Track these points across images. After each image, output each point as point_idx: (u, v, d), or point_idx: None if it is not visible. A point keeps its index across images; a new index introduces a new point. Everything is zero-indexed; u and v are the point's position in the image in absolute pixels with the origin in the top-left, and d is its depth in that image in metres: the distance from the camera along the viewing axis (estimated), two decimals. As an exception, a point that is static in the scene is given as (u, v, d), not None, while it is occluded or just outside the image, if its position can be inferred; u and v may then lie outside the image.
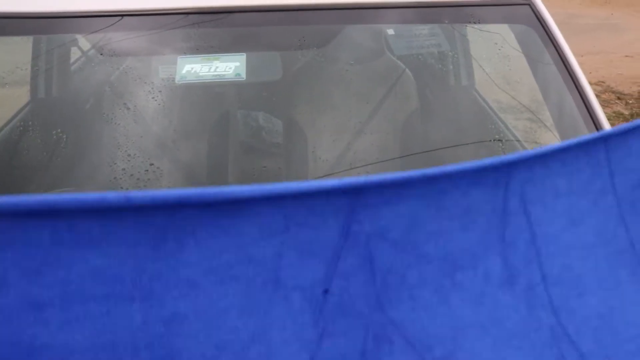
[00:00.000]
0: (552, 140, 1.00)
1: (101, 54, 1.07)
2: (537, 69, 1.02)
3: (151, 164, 1.00)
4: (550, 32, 1.02)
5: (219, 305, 0.53)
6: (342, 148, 1.05)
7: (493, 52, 1.10)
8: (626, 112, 4.22)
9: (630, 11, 7.62)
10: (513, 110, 1.05)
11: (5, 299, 0.51)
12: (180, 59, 1.05)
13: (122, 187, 0.99)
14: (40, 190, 1.04)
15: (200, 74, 1.04)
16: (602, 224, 0.66)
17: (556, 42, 1.01)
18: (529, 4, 1.06)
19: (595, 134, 0.65)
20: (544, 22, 1.04)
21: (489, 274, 0.62)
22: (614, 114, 4.13)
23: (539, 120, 1.09)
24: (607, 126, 0.92)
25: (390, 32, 1.24)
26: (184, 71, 1.05)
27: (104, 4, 1.05)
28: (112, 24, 1.03)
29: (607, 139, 0.63)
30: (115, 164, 1.00)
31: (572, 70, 0.97)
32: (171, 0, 1.07)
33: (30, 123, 1.37)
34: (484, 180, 0.60)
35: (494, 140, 1.10)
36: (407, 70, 1.19)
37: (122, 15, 1.03)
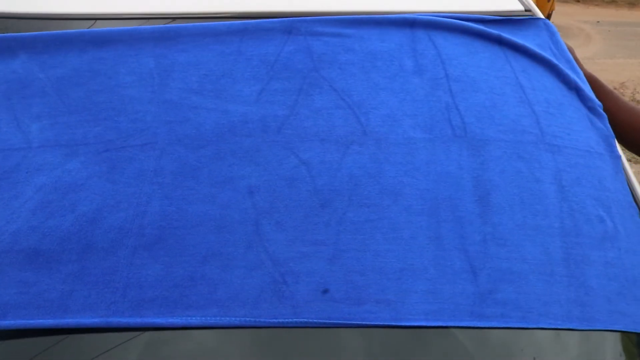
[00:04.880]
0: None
1: None
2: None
3: None
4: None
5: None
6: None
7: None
8: None
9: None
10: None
11: None
12: None
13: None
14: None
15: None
16: (492, 60, 0.96)
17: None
18: (530, 15, 1.15)
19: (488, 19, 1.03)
20: None
21: (403, 66, 0.92)
22: None
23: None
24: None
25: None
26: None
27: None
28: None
29: (500, 21, 1.03)
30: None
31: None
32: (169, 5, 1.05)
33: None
34: (393, 21, 0.96)
35: None
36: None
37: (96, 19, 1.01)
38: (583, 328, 0.75)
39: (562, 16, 8.42)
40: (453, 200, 0.80)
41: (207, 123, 0.82)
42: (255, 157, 0.80)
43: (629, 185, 0.94)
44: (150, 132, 0.81)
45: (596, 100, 0.98)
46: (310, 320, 0.70)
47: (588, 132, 0.93)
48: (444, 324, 0.72)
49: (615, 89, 5.16)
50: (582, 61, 1.15)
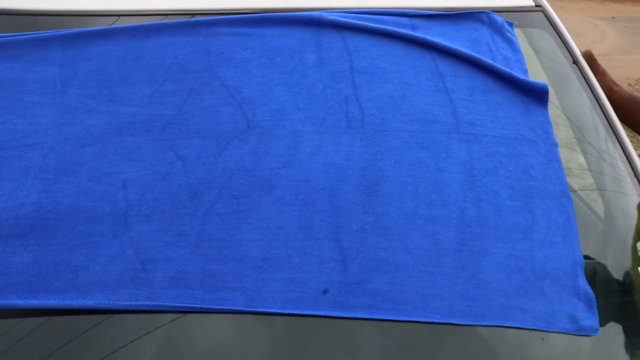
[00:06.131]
0: (567, 133, 1.08)
1: None
2: (551, 67, 1.11)
3: None
4: (562, 34, 1.11)
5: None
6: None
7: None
8: None
9: None
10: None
11: None
12: None
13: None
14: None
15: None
16: (408, 50, 0.96)
17: (568, 44, 1.10)
18: (542, 10, 1.15)
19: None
20: (556, 25, 1.13)
21: (303, 61, 0.93)
22: None
23: (551, 113, 1.17)
24: (616, 120, 1.01)
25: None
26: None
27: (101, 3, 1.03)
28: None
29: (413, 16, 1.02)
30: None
31: (582, 68, 1.07)
32: (171, 2, 1.05)
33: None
34: (298, 18, 0.97)
35: None
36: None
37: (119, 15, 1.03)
38: (466, 323, 0.72)
39: (576, 12, 8.32)
40: (333, 191, 0.80)
41: (97, 125, 0.86)
42: (135, 155, 0.84)
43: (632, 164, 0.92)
44: (43, 133, 0.86)
45: (539, 89, 0.94)
46: (163, 304, 0.73)
47: (519, 119, 0.91)
48: (301, 312, 0.72)
49: (630, 85, 5.10)
50: (597, 58, 1.14)
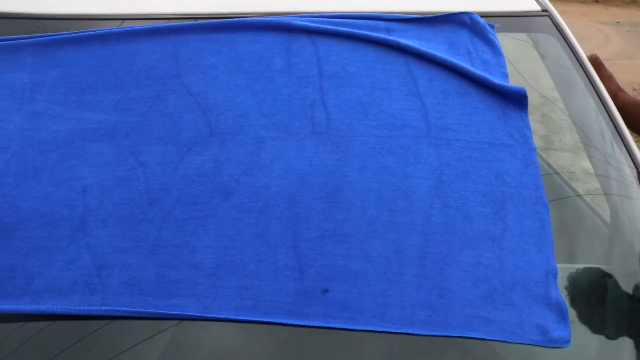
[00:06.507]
0: (573, 138, 1.08)
1: None
2: (557, 71, 1.11)
3: None
4: (568, 39, 1.12)
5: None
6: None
7: (514, 57, 1.17)
8: None
9: None
10: (531, 110, 1.12)
11: None
12: None
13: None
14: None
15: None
16: (381, 54, 0.94)
17: (574, 49, 1.10)
18: (548, 15, 1.15)
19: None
20: (562, 30, 1.13)
21: (271, 66, 0.92)
22: None
23: (557, 118, 1.17)
24: (622, 124, 1.01)
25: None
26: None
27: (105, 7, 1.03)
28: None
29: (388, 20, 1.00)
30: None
31: (589, 72, 1.07)
32: (174, 6, 1.04)
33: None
34: (268, 23, 0.96)
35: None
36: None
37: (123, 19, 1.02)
38: (426, 333, 0.70)
39: (579, 17, 8.32)
40: (293, 197, 0.79)
41: (62, 130, 0.86)
42: (97, 160, 0.83)
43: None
44: (7, 138, 0.85)
45: (517, 92, 0.91)
46: (115, 309, 0.72)
47: (495, 123, 0.88)
48: (255, 320, 0.72)
49: (634, 90, 5.09)
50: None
